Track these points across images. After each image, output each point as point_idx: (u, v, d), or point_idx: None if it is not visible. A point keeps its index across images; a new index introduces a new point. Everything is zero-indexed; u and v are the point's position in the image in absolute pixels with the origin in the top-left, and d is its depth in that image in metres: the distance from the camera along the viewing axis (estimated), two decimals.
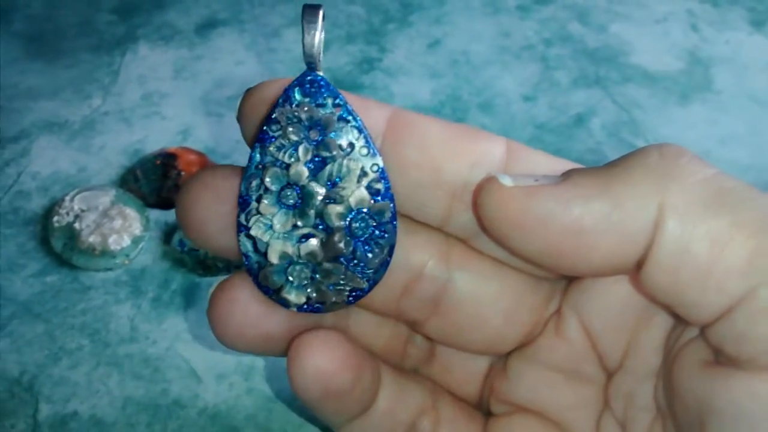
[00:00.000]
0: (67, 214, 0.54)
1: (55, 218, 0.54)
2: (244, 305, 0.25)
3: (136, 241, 0.54)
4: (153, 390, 0.47)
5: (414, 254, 0.26)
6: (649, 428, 0.25)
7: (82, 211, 0.54)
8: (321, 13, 0.24)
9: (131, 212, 0.54)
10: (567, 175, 0.23)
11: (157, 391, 0.47)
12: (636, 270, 0.22)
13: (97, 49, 0.71)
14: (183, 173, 0.56)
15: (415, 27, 0.74)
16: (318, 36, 0.24)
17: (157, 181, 0.57)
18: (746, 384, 0.20)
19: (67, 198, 0.55)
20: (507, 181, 0.22)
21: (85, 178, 0.59)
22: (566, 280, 0.27)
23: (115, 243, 0.53)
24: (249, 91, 0.25)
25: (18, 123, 0.64)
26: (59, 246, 0.53)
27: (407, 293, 0.26)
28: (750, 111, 0.66)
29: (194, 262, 0.52)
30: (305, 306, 0.24)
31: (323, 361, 0.24)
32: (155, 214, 0.56)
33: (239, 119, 0.25)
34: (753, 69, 0.71)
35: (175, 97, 0.66)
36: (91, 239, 0.52)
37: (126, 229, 0.53)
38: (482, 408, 0.29)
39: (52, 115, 0.64)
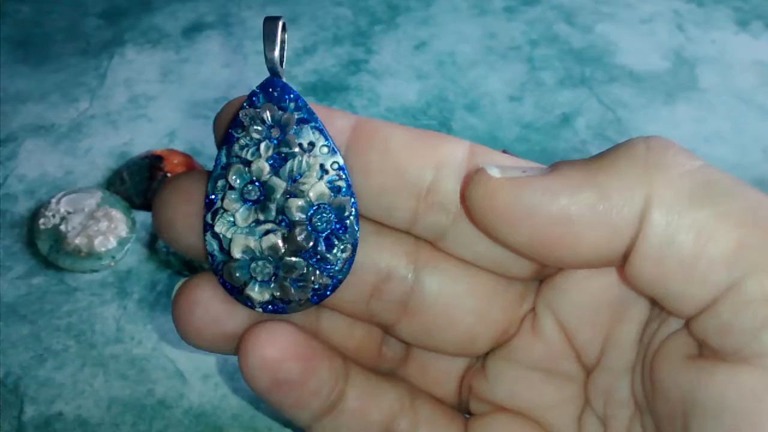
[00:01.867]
0: (54, 216, 0.54)
1: (41, 220, 0.54)
2: (206, 305, 0.25)
3: (122, 242, 0.54)
4: (138, 390, 0.47)
5: (382, 256, 0.26)
6: (628, 424, 0.25)
7: (69, 213, 0.54)
8: (281, 24, 0.25)
9: (117, 214, 0.54)
10: (554, 166, 0.23)
11: (143, 392, 0.47)
12: (622, 262, 0.22)
13: (84, 52, 0.71)
14: (169, 175, 0.56)
15: (402, 29, 0.75)
16: (278, 47, 0.25)
17: (143, 183, 0.57)
18: (730, 376, 0.20)
19: (54, 200, 0.55)
20: (495, 173, 0.23)
21: (71, 181, 0.59)
22: (539, 280, 0.27)
23: (101, 245, 0.53)
24: (224, 106, 0.25)
25: (5, 126, 0.64)
26: (45, 248, 0.53)
27: (376, 295, 0.26)
28: (735, 109, 0.67)
29: (180, 263, 0.52)
30: (269, 306, 0.25)
31: (269, 351, 0.24)
32: (141, 216, 0.56)
33: (215, 132, 0.26)
34: (738, 68, 0.71)
35: (161, 100, 0.66)
36: (77, 241, 0.52)
37: (112, 231, 0.53)
38: (462, 408, 0.29)
39: (40, 118, 0.65)
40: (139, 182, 0.57)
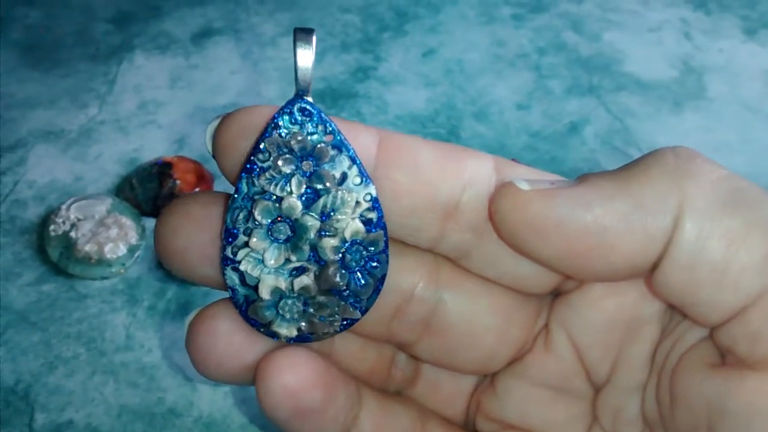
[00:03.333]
0: (63, 223, 0.54)
1: (52, 227, 0.54)
2: (227, 336, 0.24)
3: (131, 249, 0.54)
4: (148, 398, 0.47)
5: (404, 277, 0.25)
6: None
7: (78, 219, 0.54)
8: (314, 37, 0.23)
9: (127, 221, 0.55)
10: (582, 178, 0.23)
11: (153, 400, 0.47)
12: (650, 271, 0.22)
13: (93, 58, 0.71)
14: (179, 182, 0.56)
15: (410, 36, 0.75)
16: (312, 61, 0.23)
17: (153, 189, 0.57)
18: (761, 383, 0.21)
19: (63, 207, 0.55)
20: (524, 186, 0.22)
21: (81, 187, 0.59)
22: (552, 296, 0.27)
23: (111, 252, 0.53)
24: (226, 119, 0.23)
25: (15, 132, 0.64)
26: (55, 255, 0.53)
27: (398, 316, 0.26)
28: (743, 118, 0.67)
29: None
30: (295, 338, 0.24)
31: (291, 378, 0.23)
32: (151, 222, 0.56)
33: (215, 150, 0.23)
34: (746, 77, 0.71)
35: (170, 106, 0.66)
36: (87, 248, 0.53)
37: (122, 238, 0.54)
38: (468, 428, 0.29)
39: (49, 124, 0.65)
40: (149, 189, 0.57)
